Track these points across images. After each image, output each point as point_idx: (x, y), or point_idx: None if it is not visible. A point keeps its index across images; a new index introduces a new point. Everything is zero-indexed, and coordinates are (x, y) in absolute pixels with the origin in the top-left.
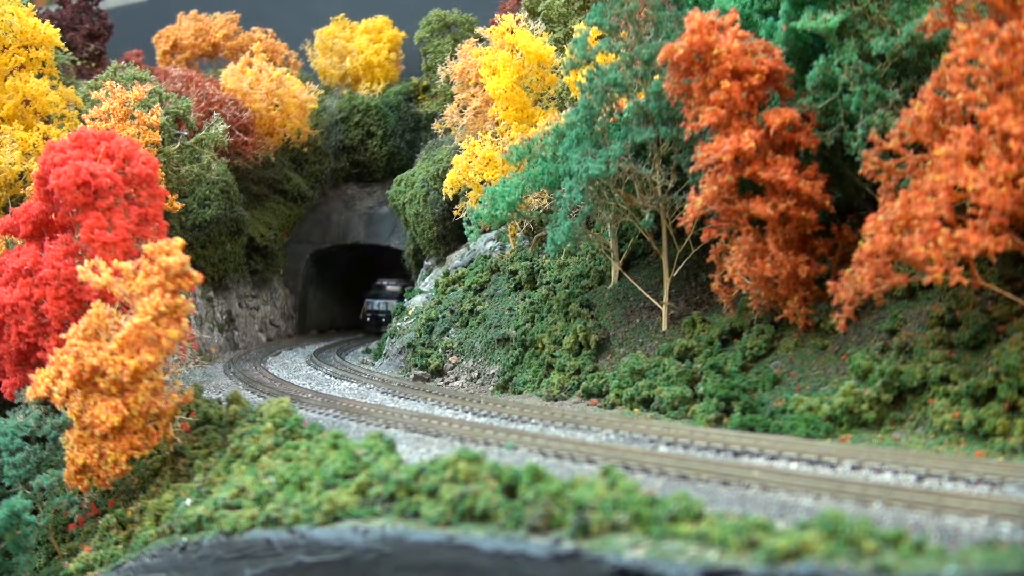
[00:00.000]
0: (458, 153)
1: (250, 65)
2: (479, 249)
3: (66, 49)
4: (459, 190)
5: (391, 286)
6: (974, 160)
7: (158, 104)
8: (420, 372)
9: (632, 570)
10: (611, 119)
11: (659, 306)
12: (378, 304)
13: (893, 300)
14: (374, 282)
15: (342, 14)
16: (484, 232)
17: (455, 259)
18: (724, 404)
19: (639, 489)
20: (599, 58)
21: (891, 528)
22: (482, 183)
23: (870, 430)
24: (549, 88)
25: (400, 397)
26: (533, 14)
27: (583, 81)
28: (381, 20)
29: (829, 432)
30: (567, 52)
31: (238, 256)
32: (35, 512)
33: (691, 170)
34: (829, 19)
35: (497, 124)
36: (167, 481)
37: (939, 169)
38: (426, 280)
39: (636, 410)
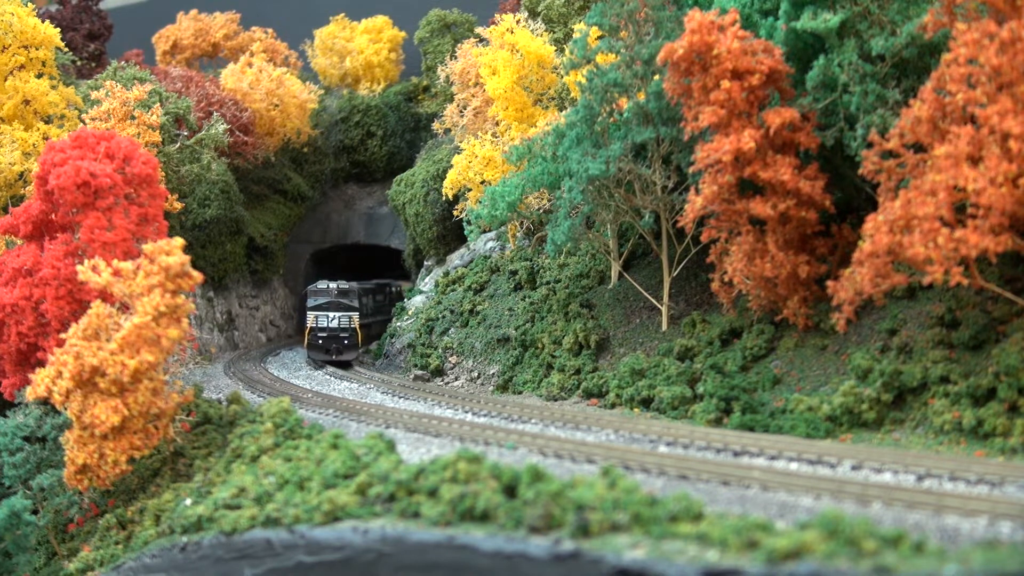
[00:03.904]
0: (458, 153)
1: (250, 65)
2: (479, 249)
3: (66, 49)
4: (459, 190)
5: (343, 291)
6: (974, 160)
7: (158, 104)
8: (420, 372)
9: (632, 570)
10: (611, 119)
11: (659, 306)
12: (333, 319)
13: (893, 300)
14: (313, 284)
15: (342, 14)
16: (484, 232)
17: (455, 259)
18: (724, 404)
19: (639, 489)
20: (599, 58)
21: (891, 528)
22: (482, 183)
23: (870, 430)
24: (549, 88)
25: (400, 397)
26: (533, 14)
27: (583, 81)
28: (381, 20)
29: (829, 432)
30: (567, 52)
31: (238, 256)
32: (35, 512)
33: (691, 170)
34: (829, 19)
35: (497, 124)
36: (167, 481)
37: (939, 169)
38: (426, 280)
39: (636, 410)
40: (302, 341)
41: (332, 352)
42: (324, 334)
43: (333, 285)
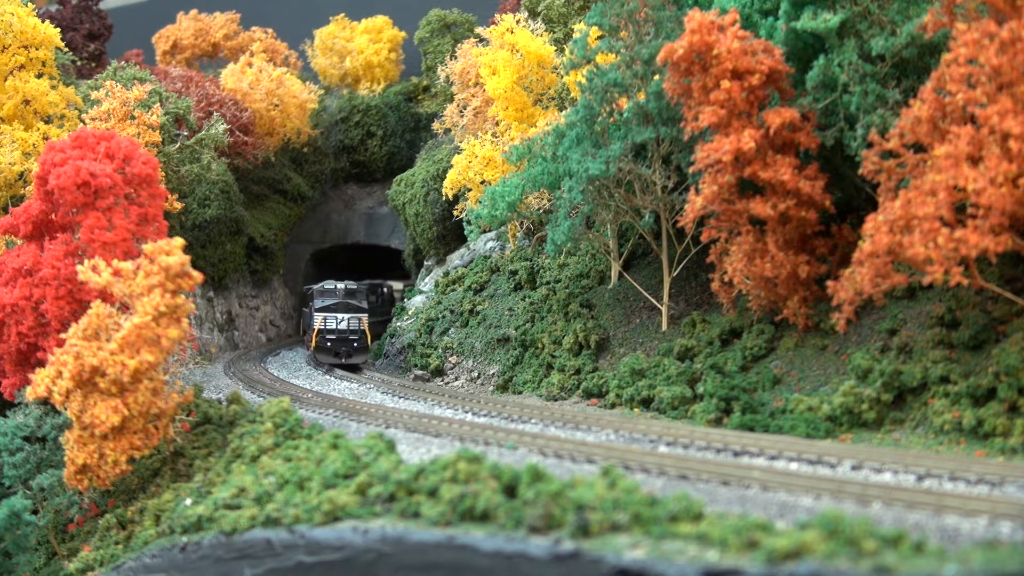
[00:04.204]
0: (458, 153)
1: (250, 65)
2: (479, 249)
3: (66, 49)
4: (459, 190)
5: (351, 291)
6: (974, 160)
7: (158, 104)
8: (420, 372)
9: (632, 570)
10: (611, 119)
11: (659, 306)
12: (342, 321)
13: (893, 300)
14: (319, 284)
15: (342, 14)
16: (484, 232)
17: (455, 259)
18: (724, 404)
19: (639, 489)
20: (599, 58)
21: (891, 528)
22: (482, 183)
23: (870, 430)
24: (549, 88)
25: (400, 397)
26: (533, 14)
27: (583, 81)
28: (381, 20)
29: (829, 432)
30: (567, 52)
31: (238, 256)
32: (35, 512)
33: (691, 170)
34: (829, 19)
35: (497, 124)
36: (167, 481)
37: (939, 169)
38: (426, 280)
39: (636, 410)
40: (301, 341)
41: (342, 355)
42: (333, 336)
43: (341, 285)
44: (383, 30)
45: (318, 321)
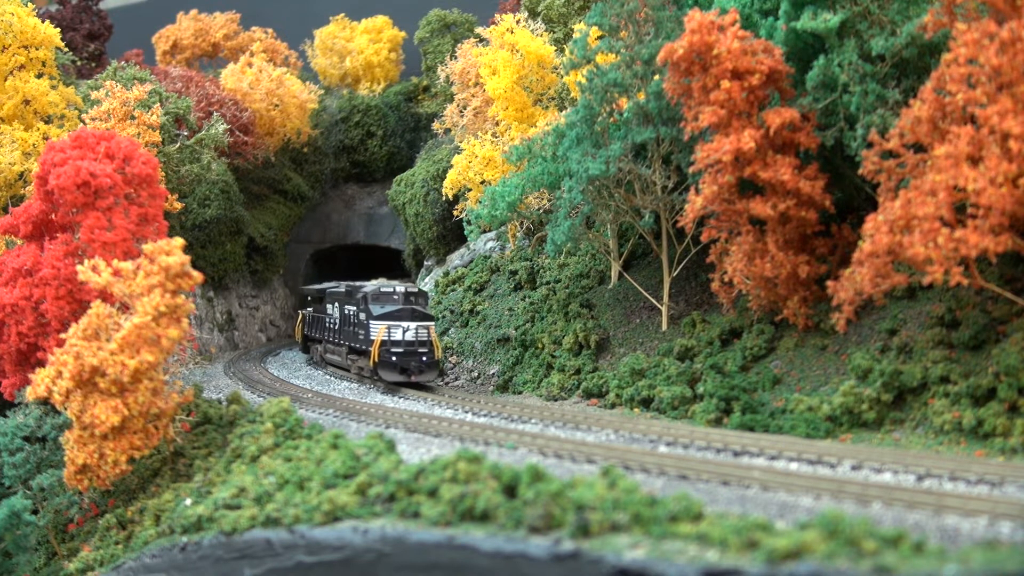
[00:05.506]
0: (458, 153)
1: (250, 65)
2: (479, 249)
3: (66, 49)
4: (459, 190)
5: (411, 295)
6: (974, 160)
7: (158, 104)
8: None
9: (632, 570)
10: (611, 119)
11: (659, 306)
12: (409, 331)
13: (893, 300)
14: (372, 287)
15: (342, 14)
16: (484, 232)
17: (455, 259)
18: (724, 404)
19: (639, 489)
20: (599, 58)
21: (891, 528)
22: (482, 183)
23: (870, 430)
24: (549, 88)
25: (400, 397)
26: (533, 14)
27: (583, 81)
28: (381, 20)
29: (829, 432)
30: (567, 52)
31: (238, 256)
32: (35, 512)
33: (691, 170)
34: (829, 19)
35: (497, 124)
36: (167, 481)
37: (939, 169)
38: (426, 280)
39: (636, 410)
40: (298, 343)
41: (411, 371)
42: (399, 349)
43: (400, 288)
44: (383, 30)
45: (379, 331)
